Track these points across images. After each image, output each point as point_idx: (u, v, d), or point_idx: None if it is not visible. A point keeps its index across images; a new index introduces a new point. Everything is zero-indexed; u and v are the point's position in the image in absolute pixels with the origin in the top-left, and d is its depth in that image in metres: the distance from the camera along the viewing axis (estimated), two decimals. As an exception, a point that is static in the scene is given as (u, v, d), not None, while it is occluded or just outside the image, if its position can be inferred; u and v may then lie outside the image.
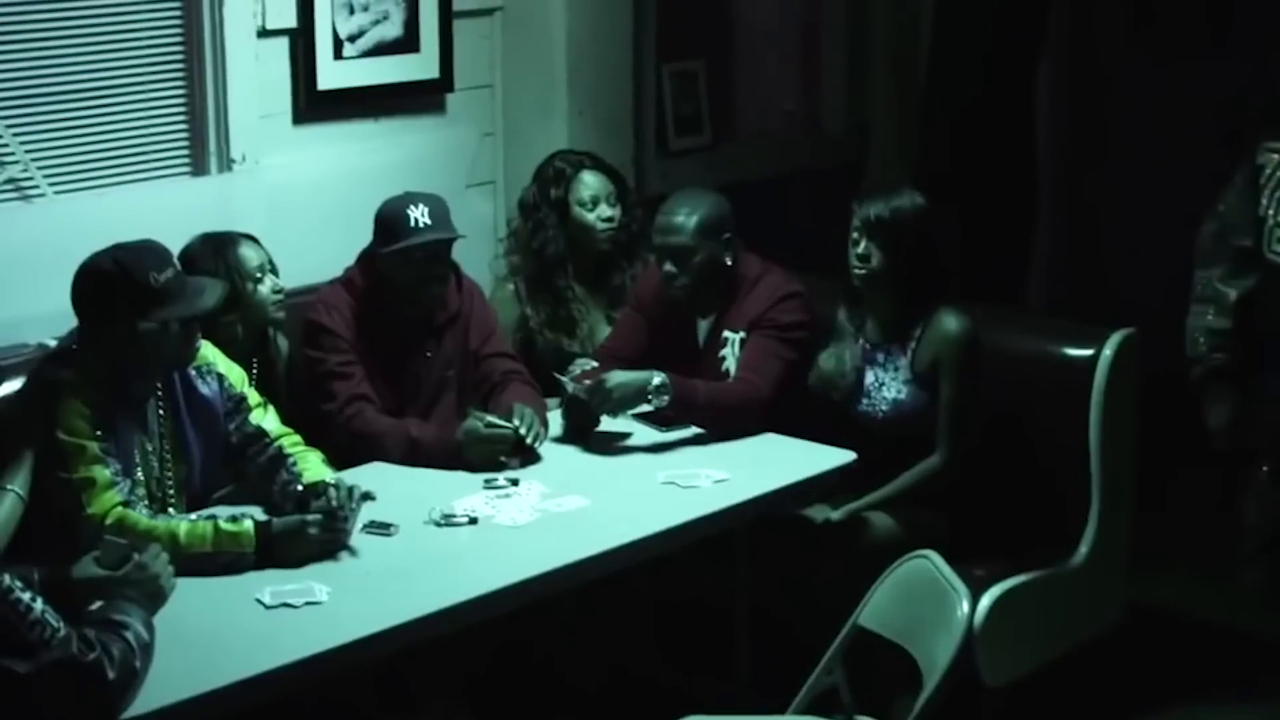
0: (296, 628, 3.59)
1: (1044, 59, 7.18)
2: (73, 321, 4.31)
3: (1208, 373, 4.68)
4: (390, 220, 4.72)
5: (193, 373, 4.17)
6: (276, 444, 4.22)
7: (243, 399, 4.25)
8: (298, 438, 4.28)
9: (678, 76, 6.42)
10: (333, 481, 4.06)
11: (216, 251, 4.60)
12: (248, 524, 3.87)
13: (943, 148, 6.97)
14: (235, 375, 4.27)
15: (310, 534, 3.92)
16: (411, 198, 4.74)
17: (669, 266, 4.93)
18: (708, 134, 6.54)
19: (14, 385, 4.10)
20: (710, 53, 6.63)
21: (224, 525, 3.86)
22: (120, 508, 3.85)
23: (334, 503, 3.97)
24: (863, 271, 4.77)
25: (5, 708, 3.04)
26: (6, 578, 3.05)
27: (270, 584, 3.74)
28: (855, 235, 4.77)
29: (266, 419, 4.26)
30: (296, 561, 3.88)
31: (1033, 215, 7.24)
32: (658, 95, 6.32)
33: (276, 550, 3.87)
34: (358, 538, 4.02)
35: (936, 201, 4.93)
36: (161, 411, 4.11)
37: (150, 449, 4.07)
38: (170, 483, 4.11)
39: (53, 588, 3.37)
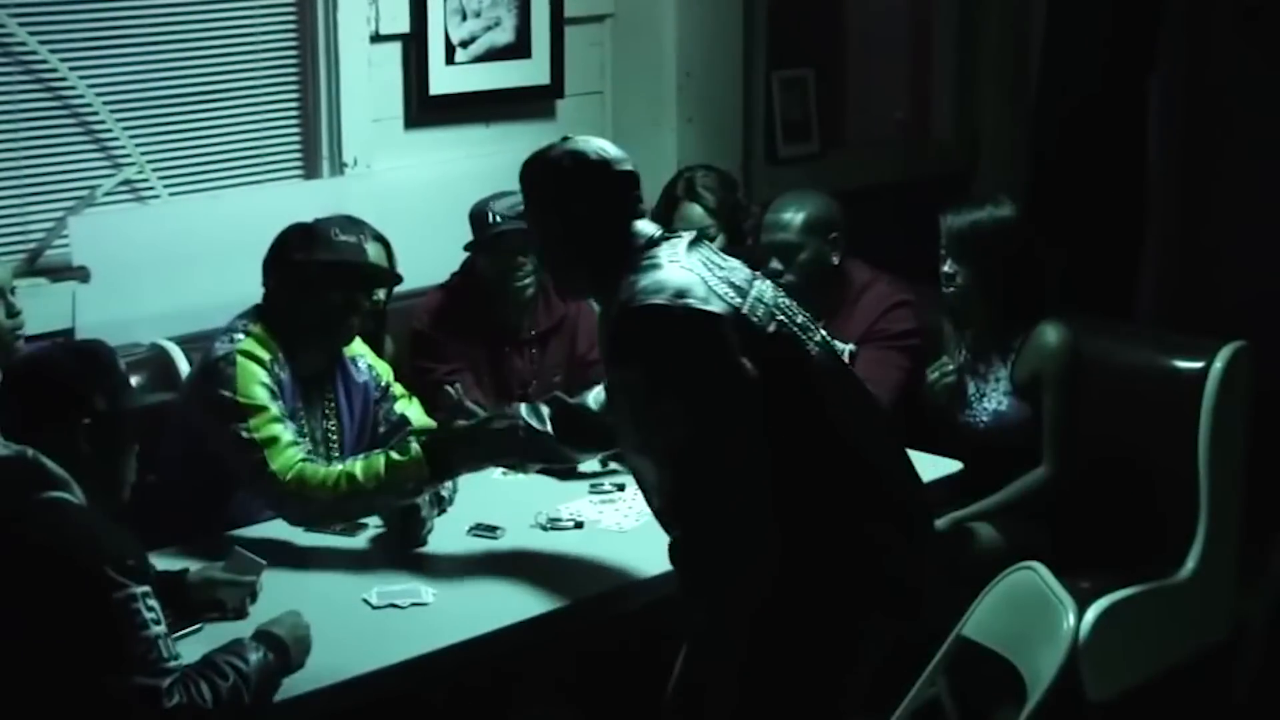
0: (402, 629, 3.62)
1: (1156, 65, 7.11)
2: (184, 323, 4.39)
3: None
4: (474, 218, 4.82)
5: (348, 359, 4.27)
6: None
7: (389, 386, 4.35)
8: None
9: (787, 84, 6.40)
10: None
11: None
12: (414, 446, 3.92)
13: (1052, 156, 6.94)
14: (382, 368, 4.37)
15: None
16: (496, 195, 4.79)
17: (775, 263, 4.92)
18: (816, 141, 6.52)
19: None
20: (820, 60, 6.61)
21: (394, 456, 3.91)
22: (302, 463, 3.93)
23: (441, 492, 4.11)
24: (950, 290, 4.76)
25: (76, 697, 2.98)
26: (143, 590, 3.00)
27: (377, 585, 3.77)
28: (942, 253, 4.75)
29: (411, 409, 4.34)
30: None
31: (1142, 224, 7.18)
32: (767, 103, 6.31)
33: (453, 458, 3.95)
34: (465, 540, 4.07)
35: (1044, 210, 4.86)
36: (329, 396, 4.23)
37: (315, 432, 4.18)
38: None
39: (167, 586, 3.40)
